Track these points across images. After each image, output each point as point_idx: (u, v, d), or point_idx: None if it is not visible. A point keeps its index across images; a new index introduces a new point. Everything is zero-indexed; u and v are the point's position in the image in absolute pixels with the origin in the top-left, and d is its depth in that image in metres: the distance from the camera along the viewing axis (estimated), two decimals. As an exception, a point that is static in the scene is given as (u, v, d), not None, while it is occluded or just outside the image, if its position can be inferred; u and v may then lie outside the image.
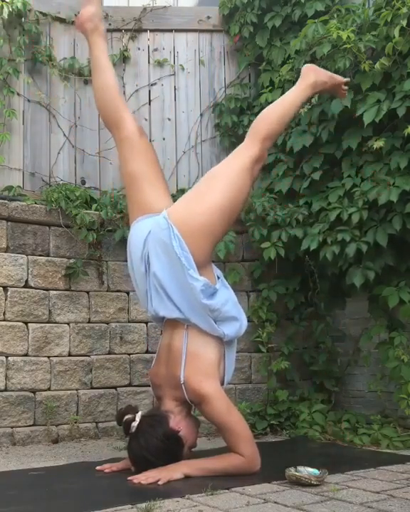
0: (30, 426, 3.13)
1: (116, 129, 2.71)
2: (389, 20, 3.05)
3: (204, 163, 4.10)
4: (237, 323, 2.48)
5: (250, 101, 4.07)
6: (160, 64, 4.13)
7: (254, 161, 2.55)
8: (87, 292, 3.43)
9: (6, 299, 3.16)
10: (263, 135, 2.59)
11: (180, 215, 2.43)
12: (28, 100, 3.76)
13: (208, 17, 4.21)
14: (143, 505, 1.81)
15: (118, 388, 3.41)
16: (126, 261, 2.64)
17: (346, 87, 2.96)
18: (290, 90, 2.79)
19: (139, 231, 2.51)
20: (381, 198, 3.03)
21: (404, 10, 2.97)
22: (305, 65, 2.89)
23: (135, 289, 2.64)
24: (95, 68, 2.77)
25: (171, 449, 2.28)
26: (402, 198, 3.00)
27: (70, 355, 3.31)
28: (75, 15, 3.90)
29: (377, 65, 3.12)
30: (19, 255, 3.23)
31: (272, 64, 3.92)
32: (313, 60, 3.53)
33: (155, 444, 2.24)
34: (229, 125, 4.04)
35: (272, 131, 2.62)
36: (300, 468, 2.16)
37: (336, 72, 3.34)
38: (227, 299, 2.46)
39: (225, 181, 2.49)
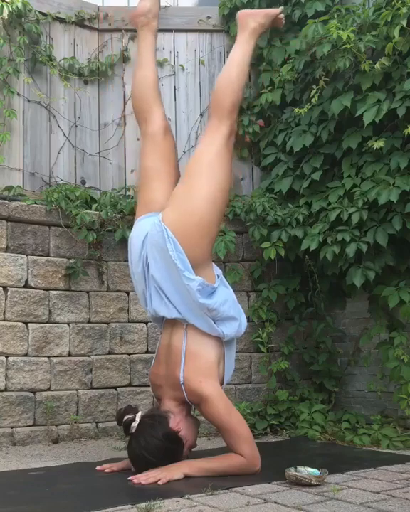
0: (30, 426, 3.13)
1: (144, 123, 2.73)
2: (388, 20, 3.05)
3: (204, 163, 4.09)
4: (236, 322, 2.48)
5: (250, 101, 4.06)
6: (160, 64, 4.12)
7: (228, 138, 2.54)
8: (87, 292, 3.43)
9: (6, 299, 3.16)
10: (228, 108, 2.54)
11: (174, 216, 2.41)
12: (28, 100, 3.76)
13: (208, 17, 4.20)
14: (143, 505, 1.80)
15: (118, 388, 3.41)
16: (126, 261, 2.65)
17: (282, 15, 2.83)
18: (235, 46, 2.68)
19: (139, 231, 2.52)
20: (381, 198, 3.04)
21: (404, 10, 2.97)
22: (239, 13, 2.78)
23: (134, 288, 2.64)
24: (137, 63, 2.80)
25: (171, 449, 2.27)
26: (402, 198, 3.00)
27: (70, 355, 3.31)
28: (75, 14, 3.94)
29: (377, 65, 3.12)
30: (19, 255, 3.23)
31: (272, 64, 3.92)
32: (313, 60, 3.54)
33: (155, 444, 2.23)
34: (229, 125, 4.03)
35: (234, 100, 2.57)
36: (300, 468, 2.16)
37: (336, 72, 3.35)
38: (226, 299, 2.45)
39: (208, 171, 2.47)
